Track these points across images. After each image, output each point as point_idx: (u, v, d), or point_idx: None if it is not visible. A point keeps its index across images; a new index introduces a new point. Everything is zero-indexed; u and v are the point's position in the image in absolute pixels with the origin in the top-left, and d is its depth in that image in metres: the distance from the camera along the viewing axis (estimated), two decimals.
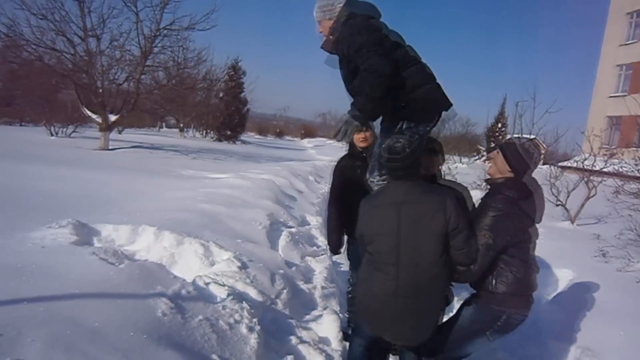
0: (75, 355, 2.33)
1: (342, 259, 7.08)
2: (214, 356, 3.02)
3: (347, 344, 4.24)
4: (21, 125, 29.43)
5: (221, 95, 39.81)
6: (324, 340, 4.18)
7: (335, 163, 4.56)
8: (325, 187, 14.07)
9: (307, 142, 61.40)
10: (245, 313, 3.66)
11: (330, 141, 58.33)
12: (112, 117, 18.10)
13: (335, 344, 4.17)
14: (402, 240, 2.98)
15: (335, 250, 4.59)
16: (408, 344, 3.34)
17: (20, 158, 11.10)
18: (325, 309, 4.76)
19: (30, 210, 5.25)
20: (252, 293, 4.18)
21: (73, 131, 22.87)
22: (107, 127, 17.91)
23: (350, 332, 4.54)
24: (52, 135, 21.63)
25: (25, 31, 16.49)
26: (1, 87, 32.67)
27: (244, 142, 40.77)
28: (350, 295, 4.67)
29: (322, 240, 7.51)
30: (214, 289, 3.88)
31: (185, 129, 41.47)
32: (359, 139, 4.21)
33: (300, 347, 3.85)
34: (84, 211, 5.50)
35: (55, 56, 17.82)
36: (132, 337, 2.68)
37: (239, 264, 4.55)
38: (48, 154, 13.37)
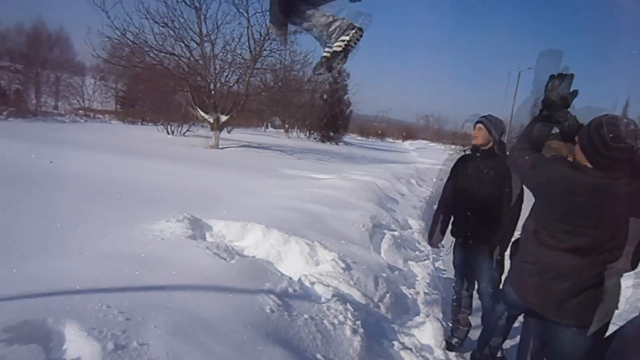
0: (192, 344, 2.46)
1: (444, 265, 6.92)
2: (319, 355, 3.05)
3: (450, 353, 4.13)
4: (142, 124, 31.80)
5: (325, 97, 40.48)
6: (426, 348, 4.08)
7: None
8: (427, 191, 13.83)
9: (408, 144, 60.65)
10: (349, 315, 3.66)
11: (433, 144, 57.23)
12: (223, 118, 19.04)
13: (438, 353, 4.06)
14: None
15: (434, 242, 4.48)
16: None
17: (142, 154, 12.01)
18: (427, 316, 4.64)
19: (150, 203, 5.63)
20: (356, 295, 4.19)
21: (187, 130, 24.35)
22: (218, 127, 18.88)
23: (453, 341, 4.42)
24: (168, 133, 23.18)
25: (149, 38, 17.89)
26: (127, 89, 35.62)
27: (346, 143, 41.14)
28: (455, 304, 4.53)
29: (424, 245, 7.37)
30: (319, 288, 3.93)
31: (289, 130, 42.62)
32: (474, 134, 4.08)
33: (403, 353, 3.79)
34: (197, 206, 5.81)
35: (174, 60, 19.10)
36: (243, 330, 2.78)
37: (343, 265, 4.58)
38: (166, 150, 14.35)
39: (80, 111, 35.00)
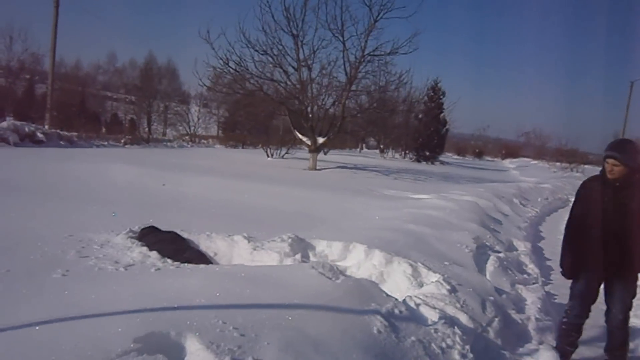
0: None
1: (555, 289, 6.52)
2: None
3: None
4: (243, 147, 33.22)
5: (420, 116, 40.00)
6: None
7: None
8: (532, 211, 13.16)
9: (508, 163, 58.12)
10: (457, 339, 3.55)
11: (535, 162, 54.47)
12: (320, 140, 19.42)
13: None
14: None
15: (570, 274, 4.19)
16: None
17: (246, 177, 12.54)
18: (541, 343, 4.40)
19: (260, 223, 5.84)
20: (463, 318, 4.05)
21: (286, 152, 25.09)
22: (315, 149, 19.28)
23: None
24: (268, 156, 24.01)
25: (249, 66, 18.78)
26: (228, 115, 37.51)
27: (442, 162, 40.26)
28: (564, 327, 4.27)
29: (532, 268, 7.01)
30: (424, 310, 3.86)
31: (385, 150, 42.51)
32: (607, 169, 3.83)
33: None
34: (300, 226, 5.95)
35: (273, 86, 19.87)
36: (352, 350, 2.79)
37: (448, 287, 4.46)
38: (267, 173, 14.88)
39: (187, 137, 37.23)
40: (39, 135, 18.59)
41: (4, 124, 17.61)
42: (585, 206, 4.03)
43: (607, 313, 4.03)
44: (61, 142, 19.67)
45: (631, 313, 4.04)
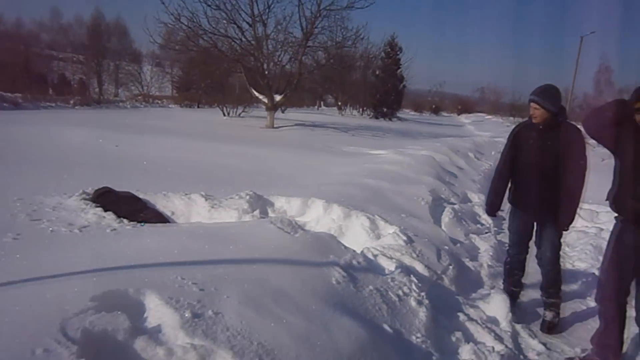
0: (264, 313, 2.55)
1: (507, 238, 6.78)
2: (385, 326, 3.09)
3: (517, 325, 4.07)
4: (198, 107, 32.52)
5: (377, 72, 39.93)
6: (493, 320, 4.04)
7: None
8: (486, 164, 13.52)
9: (464, 118, 59.09)
10: (414, 287, 3.68)
11: (490, 116, 55.58)
12: (277, 97, 19.19)
13: (505, 325, 4.01)
14: None
15: (492, 211, 4.44)
16: None
17: (203, 136, 12.33)
18: (492, 288, 4.61)
19: (218, 183, 5.79)
20: (419, 267, 4.19)
21: (242, 111, 24.72)
22: (272, 107, 19.07)
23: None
24: (224, 115, 23.61)
25: (202, 21, 18.18)
26: (182, 74, 36.49)
27: (400, 119, 40.57)
28: (507, 266, 4.51)
29: (485, 218, 7.25)
30: (382, 261, 3.96)
31: (343, 107, 42.44)
32: (531, 112, 4.00)
33: (468, 324, 3.78)
34: (258, 184, 5.94)
35: (227, 42, 19.33)
36: (311, 301, 2.85)
37: (404, 238, 4.58)
38: (223, 132, 14.68)
39: (140, 97, 36.13)
40: None
41: None
42: (512, 149, 4.21)
43: (538, 252, 4.26)
44: (4, 104, 18.77)
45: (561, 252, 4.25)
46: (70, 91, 30.95)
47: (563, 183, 3.90)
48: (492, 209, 4.41)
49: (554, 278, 4.18)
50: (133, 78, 42.53)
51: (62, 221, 4.16)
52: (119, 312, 2.28)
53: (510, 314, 4.12)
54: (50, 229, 3.93)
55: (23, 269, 2.79)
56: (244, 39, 18.96)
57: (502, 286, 4.64)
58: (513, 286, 4.49)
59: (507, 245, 6.34)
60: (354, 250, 3.92)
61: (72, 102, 23.85)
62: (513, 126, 4.57)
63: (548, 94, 3.92)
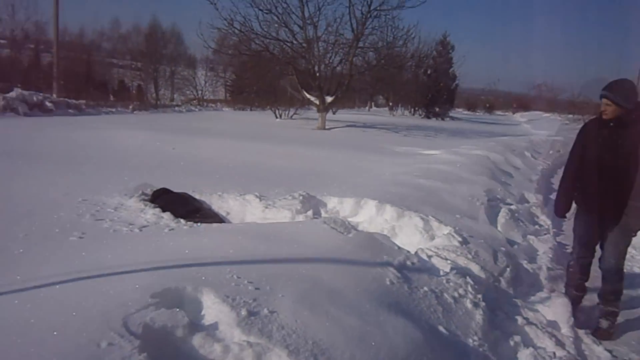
0: (319, 312, 2.55)
1: (567, 239, 6.53)
2: (441, 328, 3.03)
3: (579, 331, 3.91)
4: (251, 109, 33.04)
5: (429, 71, 39.39)
6: (553, 325, 3.90)
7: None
8: (543, 164, 13.10)
9: (520, 117, 57.48)
10: (469, 288, 3.60)
11: (547, 114, 53.77)
12: (328, 99, 19.26)
13: (566, 330, 3.86)
14: None
15: (561, 213, 4.28)
16: None
17: (257, 138, 12.54)
18: (552, 291, 4.44)
19: (271, 183, 5.87)
20: (475, 269, 4.10)
21: (294, 113, 24.95)
22: (324, 109, 19.15)
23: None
24: (276, 117, 23.90)
25: (254, 25, 18.49)
26: (235, 78, 37.22)
27: (452, 118, 39.90)
28: (570, 270, 4.32)
29: (543, 219, 7.03)
30: (436, 262, 3.90)
31: (394, 108, 42.11)
32: (602, 108, 3.81)
33: (527, 328, 3.66)
34: (311, 185, 5.98)
35: (279, 45, 19.58)
36: (365, 301, 2.83)
37: (459, 239, 4.50)
38: (276, 134, 14.87)
39: (194, 101, 37.07)
40: (48, 104, 18.59)
41: (12, 94, 17.59)
42: (582, 147, 4.04)
43: (601, 257, 4.08)
44: (70, 111, 19.68)
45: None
46: (129, 97, 32.22)
47: (635, 184, 3.70)
48: (562, 210, 4.25)
49: (615, 286, 3.98)
50: (188, 83, 43.69)
51: (123, 221, 4.32)
52: (178, 309, 2.34)
53: (572, 319, 3.97)
54: (113, 228, 4.09)
55: (88, 267, 2.91)
56: (295, 42, 19.17)
57: (563, 290, 4.47)
58: (576, 290, 4.31)
59: (567, 247, 6.14)
60: (408, 251, 3.88)
61: (131, 107, 24.72)
62: (572, 124, 4.40)
63: (621, 89, 3.73)
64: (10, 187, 5.50)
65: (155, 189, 5.26)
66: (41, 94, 19.86)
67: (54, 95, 22.29)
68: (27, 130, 11.87)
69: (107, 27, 50.69)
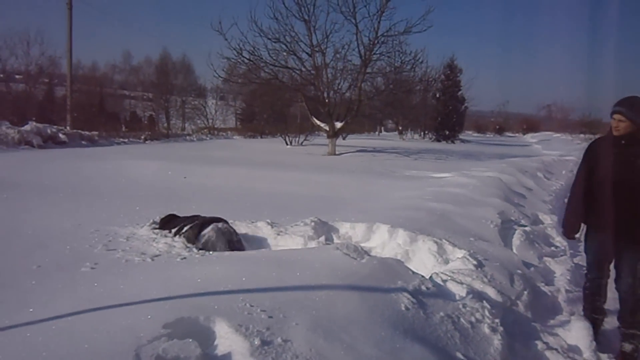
0: (333, 340, 2.51)
1: (585, 261, 6.41)
2: (459, 354, 2.96)
3: (602, 355, 3.80)
4: (261, 137, 33.31)
5: (438, 95, 39.59)
6: (574, 349, 3.80)
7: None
8: (556, 184, 12.99)
9: (530, 137, 57.38)
10: (487, 313, 3.53)
11: (558, 135, 53.58)
12: (338, 125, 19.35)
13: (589, 354, 3.75)
14: None
15: (569, 233, 4.17)
16: None
17: (267, 165, 12.59)
18: (572, 314, 4.35)
19: (282, 210, 5.85)
20: (491, 293, 4.02)
21: (304, 140, 25.09)
22: (334, 134, 19.23)
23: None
24: (287, 144, 24.03)
25: (263, 54, 18.76)
26: (245, 106, 37.66)
27: (462, 140, 39.88)
28: (586, 292, 4.22)
29: (559, 240, 6.92)
30: (452, 286, 3.84)
31: (403, 132, 42.22)
32: (613, 125, 3.76)
33: (548, 353, 3.56)
34: (322, 210, 5.95)
35: (288, 73, 19.82)
36: (380, 327, 2.78)
37: (474, 262, 4.43)
38: (287, 160, 14.93)
39: (205, 130, 37.46)
40: (61, 136, 18.91)
41: (27, 127, 17.93)
42: (589, 166, 3.97)
43: (616, 277, 3.96)
44: (83, 142, 19.98)
45: None
46: (141, 127, 32.62)
47: None
48: (570, 231, 4.15)
49: (634, 306, 3.84)
50: (198, 112, 44.28)
51: (135, 251, 4.32)
52: (190, 340, 2.31)
53: (594, 343, 3.86)
54: (125, 258, 4.08)
55: (100, 297, 2.90)
56: (303, 69, 19.38)
57: (582, 312, 4.37)
58: (594, 313, 4.18)
59: (585, 268, 6.03)
60: (422, 276, 3.82)
61: (142, 137, 25.04)
62: (584, 143, 4.35)
63: (636, 105, 3.68)
64: (24, 219, 5.55)
65: (162, 216, 5.27)
66: (55, 126, 20.22)
67: (68, 128, 22.68)
68: (41, 163, 12.02)
69: (119, 60, 51.76)
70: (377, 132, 48.45)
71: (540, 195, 10.50)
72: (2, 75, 30.00)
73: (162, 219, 5.19)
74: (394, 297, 3.21)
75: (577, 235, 4.21)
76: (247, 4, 38.07)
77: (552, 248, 6.49)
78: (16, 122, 21.44)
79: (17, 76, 31.51)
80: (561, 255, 6.15)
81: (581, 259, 6.50)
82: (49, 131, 18.45)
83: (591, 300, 4.18)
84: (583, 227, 4.16)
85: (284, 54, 19.09)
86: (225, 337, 2.44)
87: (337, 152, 18.89)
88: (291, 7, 18.31)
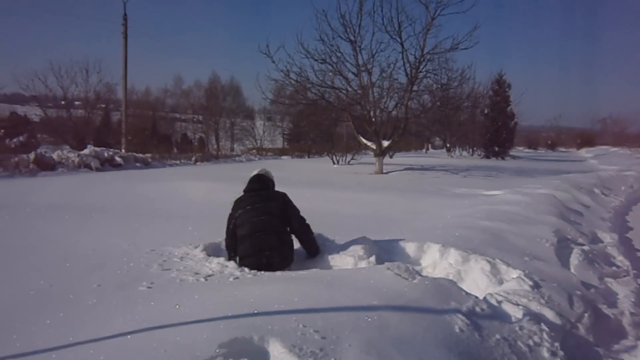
0: None
1: None
2: None
3: None
4: (309, 157, 33.60)
5: (486, 111, 38.93)
6: None
7: None
8: (615, 201, 12.45)
9: (585, 152, 55.40)
10: (545, 336, 3.41)
11: (615, 149, 51.53)
12: (385, 143, 19.30)
13: None
14: None
15: None
16: None
17: (315, 185, 12.66)
18: (638, 339, 4.13)
19: (331, 229, 5.84)
20: (549, 315, 3.88)
21: (351, 159, 25.12)
22: (381, 153, 19.18)
23: None
24: (334, 163, 24.13)
25: (310, 75, 19.03)
26: (292, 127, 38.19)
27: (513, 157, 38.93)
28: None
29: (621, 260, 6.60)
30: (507, 307, 3.73)
31: (451, 149, 41.64)
32: None
33: None
34: (372, 230, 5.92)
35: (334, 93, 19.98)
36: (435, 350, 2.73)
37: (530, 283, 4.29)
38: (335, 180, 14.96)
39: (254, 150, 38.12)
40: (117, 159, 19.70)
41: (86, 151, 18.80)
42: None
43: None
44: (137, 164, 20.73)
45: None
46: (191, 148, 33.61)
47: None
48: None
49: None
50: (247, 133, 45.18)
51: (189, 270, 4.41)
52: (246, 359, 2.34)
53: None
54: (179, 278, 4.18)
55: (157, 316, 2.98)
56: (350, 89, 19.48)
57: None
58: None
59: None
60: (476, 297, 3.73)
61: (193, 158, 25.73)
62: None
63: None
64: (84, 239, 5.78)
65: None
66: (111, 150, 21.08)
67: (123, 151, 23.62)
68: (99, 184, 12.51)
69: (171, 84, 53.56)
70: (424, 150, 47.97)
71: (599, 212, 10.09)
72: (63, 102, 31.59)
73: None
74: (448, 318, 3.15)
75: None
76: (293, 27, 38.96)
77: (614, 268, 6.19)
78: (76, 146, 22.49)
79: (76, 102, 33.11)
80: (624, 276, 5.86)
81: None
82: (105, 154, 19.27)
83: None
84: None
85: (331, 74, 19.30)
86: (280, 358, 2.46)
87: (384, 171, 18.81)
88: (337, 28, 18.55)
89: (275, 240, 4.72)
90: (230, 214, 4.99)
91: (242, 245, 4.73)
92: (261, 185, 5.07)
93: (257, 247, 4.62)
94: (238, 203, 4.98)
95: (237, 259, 4.76)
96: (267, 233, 4.71)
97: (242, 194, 5.07)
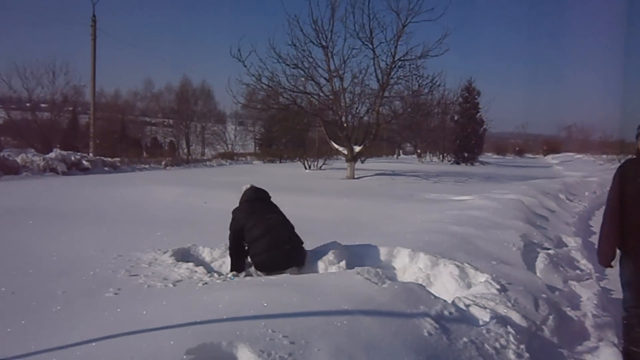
0: None
1: (612, 284, 6.27)
2: None
3: None
4: (280, 162, 33.53)
5: (456, 117, 39.54)
6: None
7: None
8: (580, 206, 12.80)
9: (551, 159, 56.72)
10: (511, 338, 3.47)
11: (580, 155, 52.92)
12: (357, 148, 19.40)
13: None
14: None
15: (605, 262, 4.02)
16: None
17: (287, 189, 12.59)
18: (600, 340, 4.24)
19: (301, 234, 5.84)
20: (515, 317, 3.95)
21: (323, 164, 25.18)
22: (352, 158, 19.27)
23: None
24: (306, 168, 24.14)
25: (281, 80, 19.02)
26: (264, 131, 38.07)
27: (482, 163, 39.59)
28: (625, 322, 4.05)
29: (584, 264, 6.78)
30: (475, 311, 3.78)
31: (422, 155, 42.13)
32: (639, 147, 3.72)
33: None
34: (342, 235, 5.94)
35: (306, 98, 20.00)
36: (404, 353, 2.75)
37: (497, 287, 4.36)
38: (306, 185, 14.97)
39: (225, 155, 37.83)
40: (85, 163, 19.31)
41: (52, 154, 18.37)
42: (621, 188, 3.87)
43: None
44: (105, 168, 20.36)
45: None
46: (161, 153, 33.11)
47: None
48: (606, 259, 3.97)
49: None
50: (218, 137, 44.82)
51: (157, 276, 4.35)
52: None
53: None
54: (147, 284, 4.12)
55: (124, 323, 2.92)
56: (322, 94, 19.54)
57: (613, 339, 4.23)
58: (632, 345, 3.94)
59: (613, 293, 5.89)
60: (445, 300, 3.77)
61: (163, 163, 25.41)
62: (606, 164, 4.28)
63: None
64: (49, 245, 5.64)
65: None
66: (78, 153, 20.64)
67: (91, 154, 23.13)
68: (65, 189, 12.23)
69: (141, 87, 52.79)
70: (395, 156, 48.39)
71: (563, 217, 10.35)
72: (28, 105, 30.80)
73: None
74: (417, 322, 3.18)
75: (613, 263, 4.06)
76: (265, 32, 38.89)
77: (577, 271, 6.35)
78: (41, 149, 21.94)
79: (42, 105, 32.32)
80: (587, 279, 6.01)
81: (607, 283, 6.37)
82: (72, 158, 18.87)
83: (630, 332, 3.93)
84: (618, 253, 4.03)
85: (302, 79, 19.34)
86: None
87: (356, 176, 18.91)
88: (309, 33, 18.60)
89: (294, 235, 4.90)
90: (233, 222, 4.98)
91: (258, 244, 4.73)
92: (263, 194, 5.26)
93: (279, 240, 4.70)
94: (243, 210, 5.03)
95: (247, 261, 4.86)
96: (287, 228, 4.90)
97: (240, 204, 5.15)
